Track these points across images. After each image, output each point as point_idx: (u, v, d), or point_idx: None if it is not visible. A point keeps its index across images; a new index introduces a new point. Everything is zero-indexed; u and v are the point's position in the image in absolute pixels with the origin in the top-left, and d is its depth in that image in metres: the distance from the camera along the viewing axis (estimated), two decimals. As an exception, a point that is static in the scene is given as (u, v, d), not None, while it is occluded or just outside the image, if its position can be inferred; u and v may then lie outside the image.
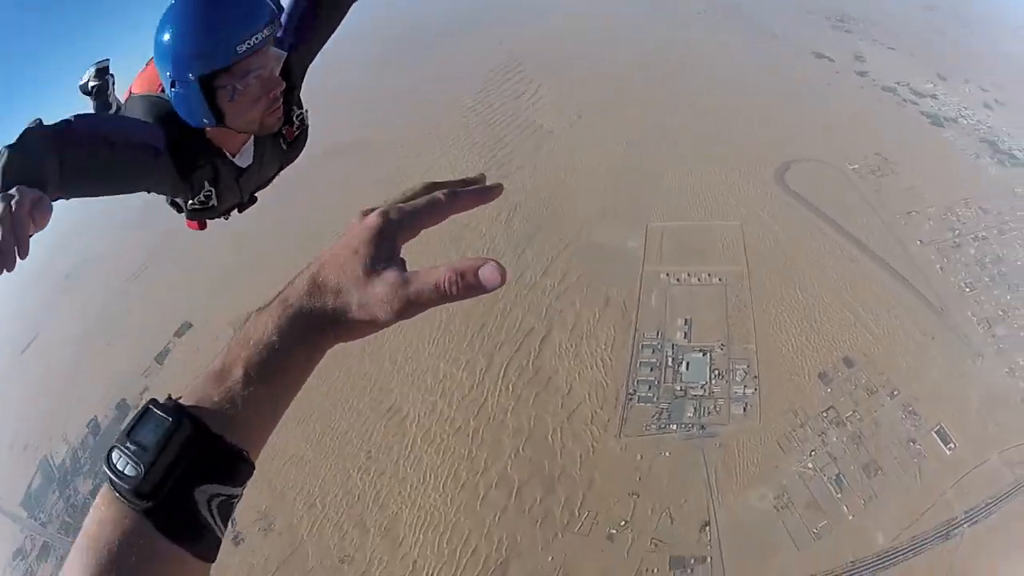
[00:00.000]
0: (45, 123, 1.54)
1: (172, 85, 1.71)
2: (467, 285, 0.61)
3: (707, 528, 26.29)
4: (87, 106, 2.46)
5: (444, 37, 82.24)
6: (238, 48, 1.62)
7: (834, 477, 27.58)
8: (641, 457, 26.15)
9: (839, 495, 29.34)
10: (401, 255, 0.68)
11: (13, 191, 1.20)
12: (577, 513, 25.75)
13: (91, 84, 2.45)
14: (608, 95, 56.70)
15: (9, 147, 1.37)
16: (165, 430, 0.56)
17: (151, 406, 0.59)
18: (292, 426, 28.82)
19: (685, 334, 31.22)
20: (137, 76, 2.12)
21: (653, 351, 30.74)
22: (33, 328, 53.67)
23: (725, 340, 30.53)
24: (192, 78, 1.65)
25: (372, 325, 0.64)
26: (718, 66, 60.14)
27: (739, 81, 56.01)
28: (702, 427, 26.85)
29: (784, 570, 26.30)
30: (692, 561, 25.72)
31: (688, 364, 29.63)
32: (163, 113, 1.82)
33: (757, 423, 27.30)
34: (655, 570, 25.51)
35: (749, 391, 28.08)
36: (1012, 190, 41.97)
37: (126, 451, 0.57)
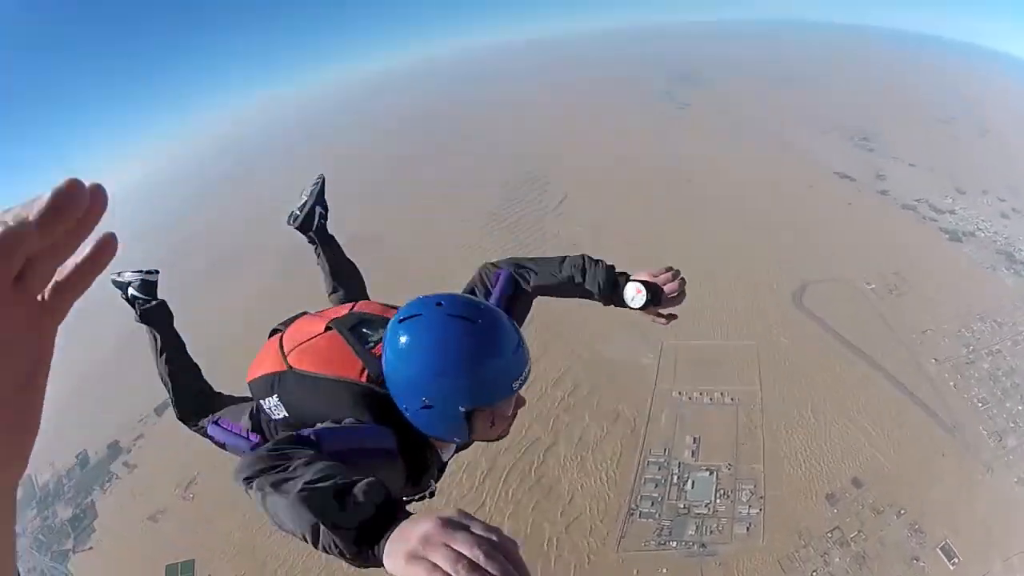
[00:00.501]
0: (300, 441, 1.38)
1: (424, 407, 1.56)
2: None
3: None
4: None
5: (471, 139, 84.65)
6: (514, 384, 1.56)
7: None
8: (637, 572, 25.02)
9: None
10: None
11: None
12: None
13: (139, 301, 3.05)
14: (631, 207, 57.30)
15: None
16: None
17: None
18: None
19: (693, 452, 30.47)
20: (294, 347, 1.90)
21: (659, 468, 29.94)
22: None
23: (733, 460, 29.76)
24: (462, 409, 1.53)
25: None
26: (740, 182, 60.62)
27: (761, 199, 56.23)
28: (703, 545, 25.77)
29: None
30: None
31: (694, 482, 28.76)
32: (378, 408, 1.65)
33: (760, 543, 26.25)
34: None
35: (754, 511, 27.13)
36: (1028, 300, 41.81)
37: None
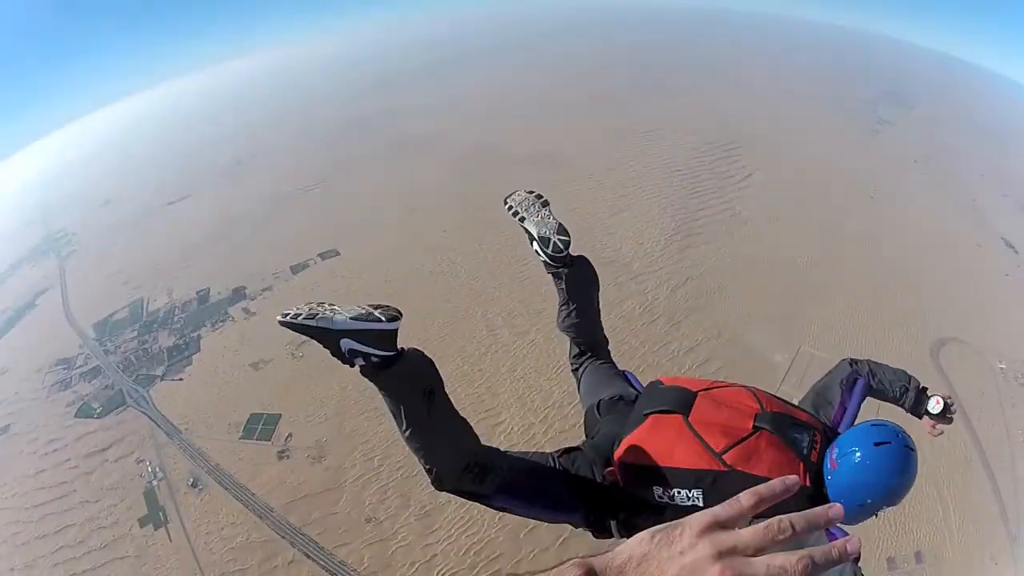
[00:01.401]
0: None
1: (859, 504, 1.99)
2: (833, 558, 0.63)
3: None
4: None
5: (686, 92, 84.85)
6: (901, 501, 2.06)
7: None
8: None
9: None
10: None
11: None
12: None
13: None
14: (809, 206, 56.30)
15: None
16: None
17: None
18: None
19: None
20: (728, 446, 2.05)
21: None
22: (187, 189, 56.66)
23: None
24: (880, 511, 2.03)
25: None
26: (913, 220, 58.91)
27: (926, 243, 54.61)
28: None
29: None
30: None
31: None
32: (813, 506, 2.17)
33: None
34: None
35: (817, 544, 26.74)
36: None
37: None
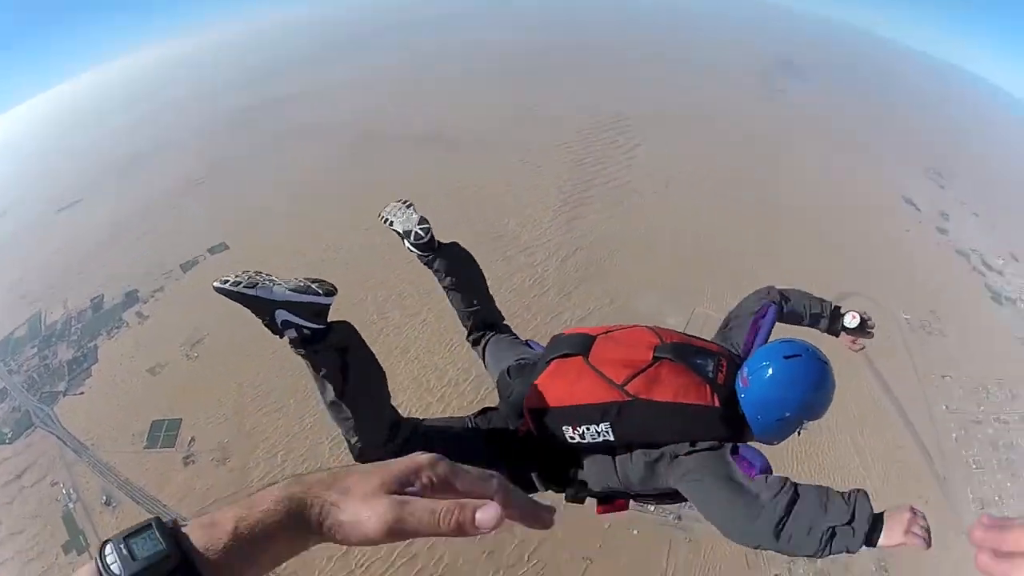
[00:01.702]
0: None
1: (778, 419, 2.01)
2: (460, 524, 0.61)
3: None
4: None
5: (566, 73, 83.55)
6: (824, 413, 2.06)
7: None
8: (609, 526, 24.55)
9: None
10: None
11: None
12: (526, 558, 24.28)
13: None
14: (698, 174, 56.43)
15: None
16: (156, 552, 0.57)
17: (154, 524, 0.61)
18: (282, 374, 27.75)
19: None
20: (630, 377, 2.06)
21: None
22: (79, 193, 53.60)
23: (728, 439, 29.19)
24: (804, 422, 2.03)
25: (360, 539, 0.63)
26: (809, 179, 59.69)
27: (822, 198, 55.27)
28: (679, 517, 25.24)
29: None
30: None
31: (688, 452, 28.30)
32: (730, 425, 2.02)
33: (733, 532, 25.71)
34: None
35: (736, 498, 26.55)
36: (1045, 391, 40.54)
37: (119, 551, 0.58)
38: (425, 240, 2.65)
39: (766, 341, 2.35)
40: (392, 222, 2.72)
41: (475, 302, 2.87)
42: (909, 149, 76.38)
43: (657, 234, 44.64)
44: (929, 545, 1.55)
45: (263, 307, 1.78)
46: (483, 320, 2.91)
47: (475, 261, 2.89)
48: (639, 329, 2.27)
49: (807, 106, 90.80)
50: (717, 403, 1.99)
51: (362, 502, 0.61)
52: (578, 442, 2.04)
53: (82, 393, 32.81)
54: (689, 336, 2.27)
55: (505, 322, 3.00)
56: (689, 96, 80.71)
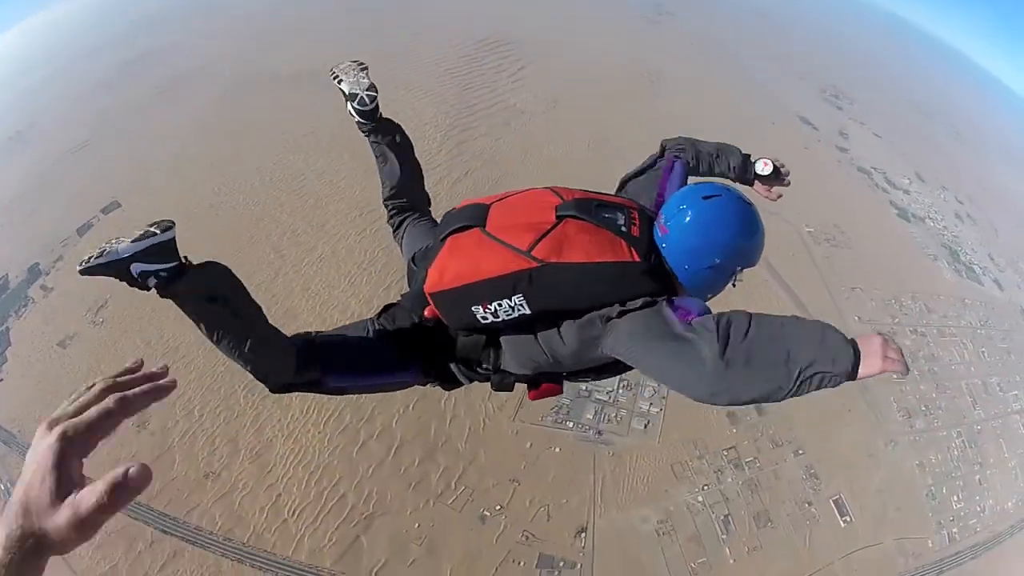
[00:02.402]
0: None
1: (709, 267, 1.84)
2: (123, 493, 0.68)
3: (583, 534, 24.93)
4: None
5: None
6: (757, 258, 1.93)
7: (723, 517, 26.46)
8: (531, 446, 24.62)
9: (724, 536, 28.39)
10: (82, 471, 0.74)
11: None
12: (453, 486, 24.13)
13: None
14: (587, 93, 55.81)
15: None
16: None
17: None
18: (186, 326, 26.44)
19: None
20: (535, 241, 1.82)
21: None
22: None
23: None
24: (738, 270, 1.88)
25: (72, 546, 0.70)
26: (701, 102, 59.16)
27: (716, 119, 54.16)
28: (599, 432, 25.42)
29: None
30: (561, 564, 24.50)
31: (599, 366, 28.47)
32: (658, 279, 1.84)
33: (655, 443, 26.02)
34: (522, 563, 24.10)
35: (655, 409, 26.79)
36: (962, 300, 41.94)
37: None
38: (369, 108, 2.51)
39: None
40: (341, 79, 2.54)
41: (402, 181, 2.69)
42: (804, 72, 76.83)
43: (546, 154, 44.41)
44: (908, 371, 1.40)
45: (119, 268, 1.67)
46: (406, 202, 2.71)
47: (412, 145, 2.75)
48: (536, 191, 2.08)
49: (695, 29, 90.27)
50: (637, 257, 1.80)
51: (52, 518, 0.67)
52: (492, 321, 1.84)
53: (1, 380, 31.14)
54: (595, 193, 2.08)
55: (431, 207, 2.80)
56: (575, 19, 79.84)
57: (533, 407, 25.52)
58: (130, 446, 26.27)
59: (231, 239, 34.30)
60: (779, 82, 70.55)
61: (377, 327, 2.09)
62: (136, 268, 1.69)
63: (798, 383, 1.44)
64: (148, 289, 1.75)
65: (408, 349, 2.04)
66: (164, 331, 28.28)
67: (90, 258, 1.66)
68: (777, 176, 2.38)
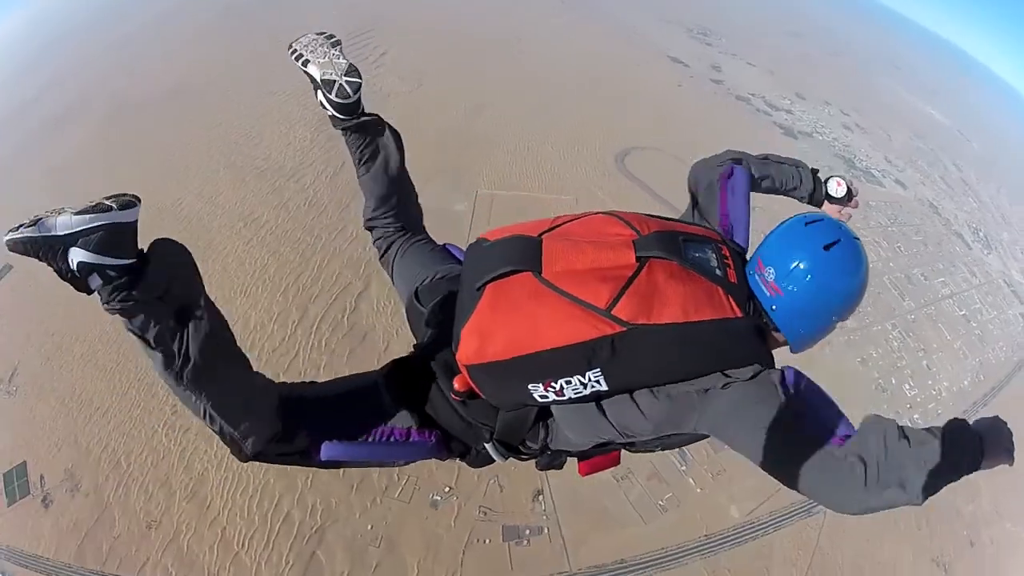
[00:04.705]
0: None
1: (826, 327, 1.53)
2: None
3: (540, 497, 23.57)
4: None
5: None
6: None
7: (677, 451, 25.26)
8: (466, 428, 23.17)
9: (684, 468, 27.55)
10: None
11: None
12: (396, 478, 22.69)
13: None
14: (452, 66, 54.50)
15: None
16: None
17: None
18: (96, 376, 24.77)
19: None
20: (615, 296, 1.32)
21: (475, 311, 28.82)
22: None
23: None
24: (841, 323, 1.56)
25: None
26: (570, 53, 58.61)
27: (589, 69, 54.23)
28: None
29: (632, 543, 24.04)
30: (527, 532, 23.43)
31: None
32: (761, 337, 1.46)
33: (595, 387, 24.87)
34: (487, 540, 22.83)
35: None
36: (866, 201, 41.92)
37: None
38: (352, 100, 1.82)
39: (748, 218, 1.73)
40: (307, 60, 1.83)
41: (392, 194, 2.01)
42: (671, 16, 76.28)
43: (422, 130, 42.59)
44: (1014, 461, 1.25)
45: (52, 249, 1.15)
46: (397, 220, 2.03)
47: (403, 147, 2.02)
48: (599, 217, 1.55)
49: None
50: (738, 311, 1.38)
51: None
52: (554, 400, 1.37)
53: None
54: (666, 220, 1.60)
55: (424, 225, 2.13)
56: None
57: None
58: (68, 513, 24.02)
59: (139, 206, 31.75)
60: (647, 27, 69.68)
61: (387, 390, 1.61)
62: (76, 256, 1.16)
63: (934, 491, 1.20)
64: (88, 292, 1.20)
65: (429, 420, 1.60)
66: (76, 386, 26.09)
67: (20, 226, 1.15)
68: (849, 197, 1.89)
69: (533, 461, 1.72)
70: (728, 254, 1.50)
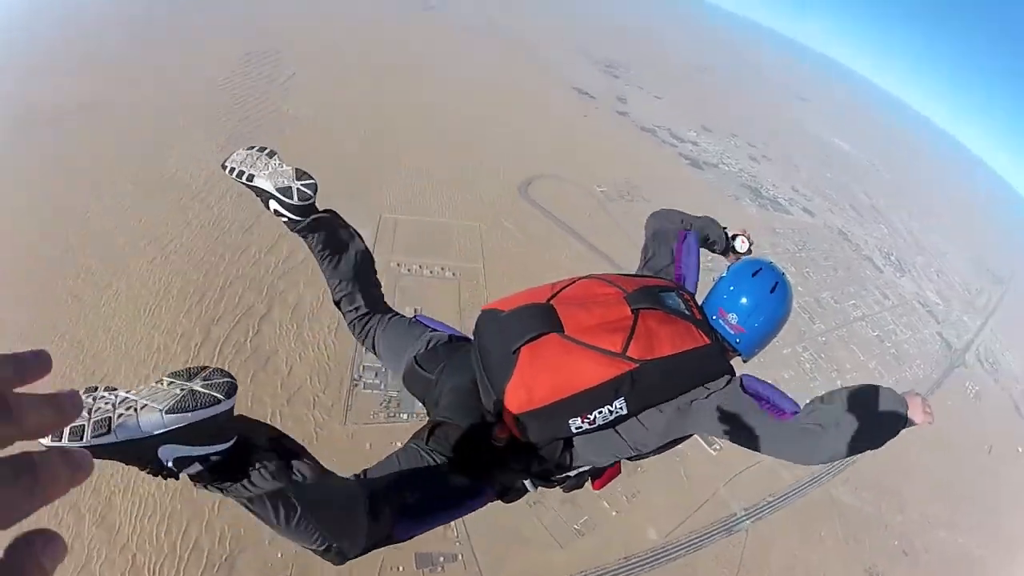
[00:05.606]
0: None
1: (771, 341, 2.07)
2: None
3: (452, 525, 23.42)
4: None
5: (204, 12, 74.65)
6: None
7: (587, 472, 25.78)
8: (371, 446, 23.45)
9: (597, 492, 27.42)
10: None
11: None
12: (310, 479, 22.30)
13: None
14: (359, 90, 54.87)
15: None
16: None
17: None
18: None
19: (415, 323, 29.71)
20: (626, 342, 1.70)
21: (380, 338, 28.71)
22: None
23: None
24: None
25: None
26: (475, 81, 59.07)
27: (493, 97, 55.05)
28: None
29: (550, 568, 23.90)
30: (441, 559, 23.01)
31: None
32: (727, 357, 1.96)
33: (501, 415, 25.37)
34: (400, 567, 22.53)
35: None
36: (772, 228, 44.49)
37: None
38: (312, 201, 1.91)
39: (698, 269, 2.21)
40: (252, 176, 1.89)
41: (354, 281, 2.11)
42: (575, 48, 77.15)
43: (325, 153, 42.66)
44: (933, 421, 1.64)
45: (142, 454, 1.03)
46: (364, 306, 2.16)
47: (357, 234, 2.17)
48: (587, 281, 1.94)
49: (461, 17, 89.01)
50: (706, 340, 1.82)
51: None
52: (586, 429, 1.70)
53: None
54: (636, 277, 2.05)
55: (385, 302, 2.25)
56: (344, 19, 77.34)
57: (361, 408, 24.53)
58: (-28, 546, 23.17)
59: (22, 291, 29.76)
60: (553, 57, 70.23)
61: (437, 458, 1.75)
62: (169, 454, 1.05)
63: (885, 439, 1.66)
64: (177, 478, 1.12)
65: (480, 474, 1.81)
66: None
67: (83, 430, 0.95)
68: (748, 251, 2.44)
69: (558, 487, 1.96)
70: (688, 298, 1.94)
